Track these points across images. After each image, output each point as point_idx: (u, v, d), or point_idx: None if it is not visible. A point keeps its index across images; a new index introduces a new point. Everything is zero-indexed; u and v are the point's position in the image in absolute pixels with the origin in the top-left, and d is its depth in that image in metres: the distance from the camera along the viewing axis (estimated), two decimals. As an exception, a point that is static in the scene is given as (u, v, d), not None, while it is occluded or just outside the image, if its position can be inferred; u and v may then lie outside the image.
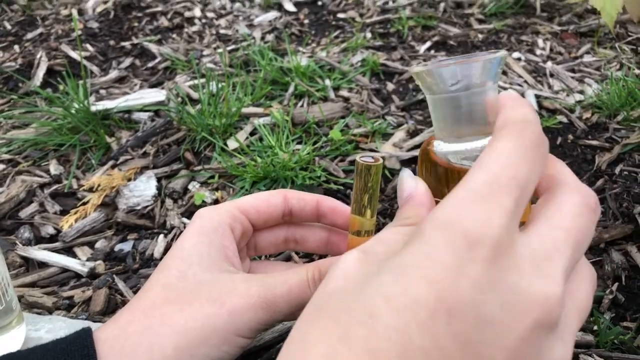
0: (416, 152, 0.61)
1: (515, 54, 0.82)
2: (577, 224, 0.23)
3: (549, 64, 0.79)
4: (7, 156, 0.66)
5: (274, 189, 0.56)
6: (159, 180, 0.61)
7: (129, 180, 0.61)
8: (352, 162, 0.60)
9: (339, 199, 0.55)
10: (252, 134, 0.64)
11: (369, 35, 0.88)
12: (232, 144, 0.63)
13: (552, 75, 0.76)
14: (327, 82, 0.73)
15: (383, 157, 0.58)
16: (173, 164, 0.63)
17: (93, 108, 0.68)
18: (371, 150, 0.61)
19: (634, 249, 0.49)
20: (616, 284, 0.46)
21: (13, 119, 0.72)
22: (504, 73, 0.76)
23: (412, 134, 0.64)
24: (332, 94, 0.71)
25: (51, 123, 0.69)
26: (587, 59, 0.82)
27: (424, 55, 0.82)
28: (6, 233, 0.55)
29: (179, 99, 0.72)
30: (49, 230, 0.55)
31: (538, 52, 0.84)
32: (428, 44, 0.85)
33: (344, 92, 0.72)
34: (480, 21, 0.95)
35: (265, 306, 0.31)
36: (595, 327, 0.42)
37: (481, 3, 1.00)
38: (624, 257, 0.48)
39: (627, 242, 0.50)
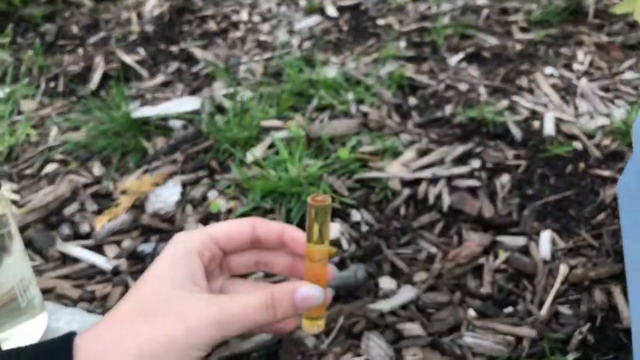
0: (421, 174, 0.63)
1: (549, 69, 0.80)
2: None
3: (583, 81, 0.77)
4: (60, 156, 0.75)
5: (281, 203, 0.61)
6: (184, 186, 0.67)
7: (157, 185, 0.67)
8: (358, 181, 0.63)
9: (340, 216, 0.59)
10: (271, 146, 0.69)
11: (403, 44, 0.89)
12: (250, 156, 0.68)
13: (582, 95, 0.75)
14: (350, 96, 0.76)
15: (333, 198, 0.61)
16: (199, 171, 0.69)
17: (134, 114, 0.76)
18: (378, 169, 0.64)
19: (618, 289, 0.49)
20: (588, 324, 0.46)
21: (69, 122, 0.81)
22: (531, 91, 0.75)
23: (422, 153, 0.66)
24: (353, 108, 0.74)
25: (98, 127, 0.77)
26: (628, 75, 0.78)
27: (453, 69, 0.82)
28: (51, 228, 0.64)
29: (212, 108, 0.78)
30: (85, 228, 0.63)
31: (575, 66, 0.81)
32: (461, 55, 0.85)
33: (364, 107, 0.74)
34: (523, 29, 0.93)
35: (221, 325, 0.36)
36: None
37: (528, 9, 0.98)
38: (606, 296, 0.49)
39: (613, 281, 0.50)
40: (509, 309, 0.49)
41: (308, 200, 0.38)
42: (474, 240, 0.55)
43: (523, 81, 0.77)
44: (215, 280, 0.43)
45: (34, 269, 0.57)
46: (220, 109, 0.77)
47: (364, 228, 0.58)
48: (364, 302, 0.49)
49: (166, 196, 0.66)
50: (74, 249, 0.60)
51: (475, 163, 0.64)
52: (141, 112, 0.77)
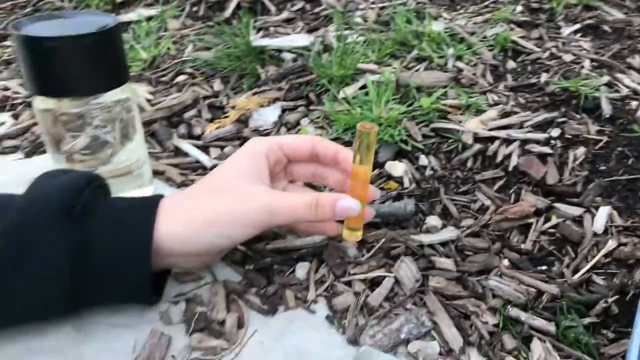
0: (497, 133, 0.65)
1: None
2: None
3: None
4: (190, 70, 0.88)
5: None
6: (283, 111, 0.76)
7: (261, 106, 0.77)
8: (433, 130, 0.67)
9: (408, 158, 0.65)
10: (363, 87, 0.75)
11: (519, 8, 0.88)
12: (342, 93, 0.74)
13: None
14: (451, 51, 0.79)
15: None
16: (298, 100, 0.78)
17: (254, 43, 0.86)
18: (456, 122, 0.68)
19: (661, 271, 0.49)
20: (616, 297, 0.48)
21: (202, 42, 0.93)
22: (610, 85, 0.72)
23: (504, 115, 0.68)
24: (450, 63, 0.77)
25: (224, 50, 0.88)
26: None
27: (564, 39, 0.81)
28: (171, 126, 0.76)
29: (321, 46, 0.85)
30: (197, 131, 0.75)
31: None
32: (577, 26, 0.83)
33: (461, 64, 0.77)
34: (661, 7, 0.87)
35: (270, 212, 0.45)
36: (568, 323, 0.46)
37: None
38: (646, 277, 0.49)
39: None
40: (543, 268, 0.52)
41: (357, 126, 0.45)
42: (530, 201, 0.58)
43: (635, 60, 0.74)
44: (279, 182, 0.53)
45: (153, 155, 0.70)
46: (327, 48, 0.85)
47: (428, 172, 0.63)
48: (408, 232, 0.55)
49: (267, 116, 0.75)
50: (186, 145, 0.72)
51: (555, 132, 0.65)
52: (261, 42, 0.86)
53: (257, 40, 0.87)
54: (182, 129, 0.75)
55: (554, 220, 0.57)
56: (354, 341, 0.45)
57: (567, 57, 0.76)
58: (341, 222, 0.51)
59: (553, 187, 0.59)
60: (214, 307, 0.48)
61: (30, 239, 0.40)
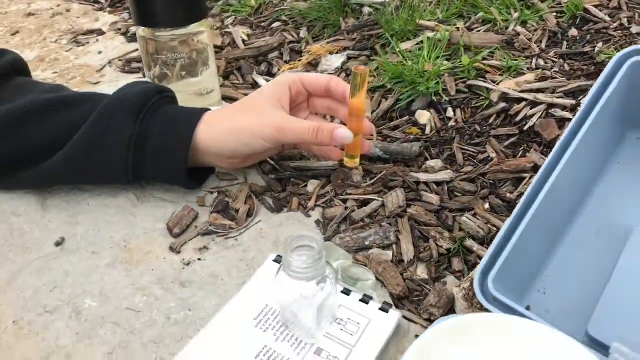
0: (525, 95, 0.69)
1: None
2: None
3: None
4: (285, 18, 1.01)
5: (401, 87, 0.76)
6: (348, 59, 0.86)
7: (331, 53, 0.88)
8: (468, 86, 0.73)
9: (436, 109, 0.72)
10: (420, 42, 0.82)
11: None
12: (403, 46, 0.82)
13: None
14: (516, 15, 0.81)
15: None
16: (364, 50, 0.87)
17: (341, -3, 0.96)
18: (492, 81, 0.72)
19: None
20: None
21: (301, -7, 1.06)
22: None
23: (540, 79, 0.71)
24: (511, 27, 0.80)
25: (317, 2, 0.99)
26: None
27: (642, 10, 0.78)
28: (256, 64, 0.91)
29: (398, 2, 0.92)
30: (275, 70, 0.89)
31: None
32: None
33: (521, 28, 0.79)
34: None
35: (279, 130, 0.57)
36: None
37: None
38: None
39: None
40: (519, 215, 0.58)
41: (352, 68, 0.55)
42: (532, 158, 0.62)
43: None
44: (303, 112, 0.65)
45: (234, 85, 0.85)
46: (400, 6, 0.92)
47: (451, 124, 0.70)
48: (410, 170, 0.64)
49: (332, 62, 0.86)
50: (261, 80, 0.86)
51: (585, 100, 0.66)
52: (347, -5, 0.96)
53: (345, -5, 0.97)
54: (263, 67, 0.89)
55: (552, 179, 0.61)
56: (328, 239, 0.56)
57: (636, 29, 0.74)
58: (343, 150, 0.61)
59: (560, 149, 0.63)
60: (235, 199, 0.62)
61: (110, 126, 0.58)
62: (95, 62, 0.96)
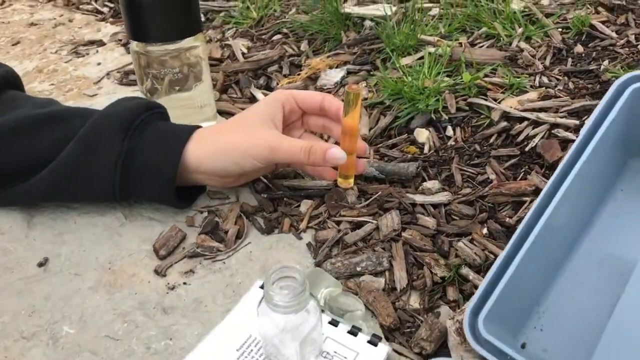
0: (527, 115, 0.67)
1: None
2: None
3: None
4: (286, 30, 0.99)
5: (400, 104, 0.74)
6: (348, 73, 0.85)
7: (330, 67, 0.87)
8: (469, 104, 0.71)
9: (436, 127, 0.70)
10: (421, 58, 0.80)
11: (618, -9, 0.83)
12: (401, 62, 0.80)
13: None
14: (520, 30, 0.79)
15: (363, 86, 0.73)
16: (364, 65, 0.85)
17: (343, 9, 0.94)
18: (494, 99, 0.70)
19: None
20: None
21: (304, 6, 1.04)
22: None
23: (544, 97, 0.69)
24: (515, 43, 0.78)
25: (319, 15, 0.98)
26: None
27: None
28: (255, 77, 0.89)
29: (400, 16, 0.91)
30: (274, 84, 0.87)
31: None
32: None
33: (525, 44, 0.77)
34: None
35: (272, 150, 0.55)
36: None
37: None
38: None
39: None
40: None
41: (346, 87, 0.53)
42: (533, 181, 0.60)
43: None
44: (297, 130, 0.63)
45: (232, 99, 0.84)
46: (402, 20, 0.90)
47: (450, 143, 0.68)
48: (406, 191, 0.62)
49: (332, 76, 0.85)
50: (259, 94, 0.84)
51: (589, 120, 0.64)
52: (348, 9, 0.95)
53: (346, 8, 0.95)
54: (262, 80, 0.88)
55: (554, 203, 0.58)
56: (319, 264, 0.54)
57: (644, 47, 0.72)
58: (337, 169, 0.60)
59: (563, 172, 0.60)
60: (225, 219, 0.60)
61: (98, 142, 0.56)
62: (93, 73, 0.95)
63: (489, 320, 0.36)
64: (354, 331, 0.46)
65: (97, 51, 1.03)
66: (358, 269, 0.53)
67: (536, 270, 0.41)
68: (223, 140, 0.57)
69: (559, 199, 0.42)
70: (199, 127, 0.60)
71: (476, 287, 0.51)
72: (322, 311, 0.48)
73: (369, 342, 0.45)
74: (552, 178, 0.43)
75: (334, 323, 0.47)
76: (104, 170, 0.56)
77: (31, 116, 0.60)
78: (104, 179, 0.56)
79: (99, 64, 0.98)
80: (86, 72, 0.95)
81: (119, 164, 0.56)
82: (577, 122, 0.64)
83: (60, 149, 0.57)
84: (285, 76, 0.88)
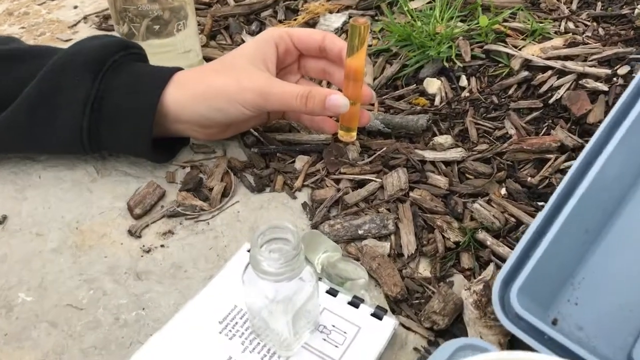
0: (553, 63, 0.59)
1: None
2: None
3: None
4: (281, -27, 0.90)
5: (408, 51, 0.66)
6: (350, 18, 0.76)
7: (330, 12, 0.78)
8: (485, 51, 0.63)
9: (448, 77, 0.62)
10: (431, 0, 0.72)
11: None
12: (412, 5, 0.72)
13: None
14: (543, -29, 0.71)
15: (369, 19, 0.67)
16: (368, 10, 0.77)
17: (344, -51, 0.85)
18: (514, 46, 0.62)
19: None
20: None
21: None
22: None
23: (570, 44, 0.61)
24: (537, -15, 0.70)
25: (317, -45, 0.89)
26: None
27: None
28: (247, 23, 0.81)
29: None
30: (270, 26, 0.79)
31: None
32: None
33: (549, -14, 0.69)
34: None
35: (262, 95, 0.48)
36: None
37: None
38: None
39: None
40: (540, 203, 0.49)
41: (350, 20, 0.45)
42: (558, 137, 0.53)
43: None
44: (293, 75, 0.56)
45: (221, 45, 0.76)
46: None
47: (464, 94, 0.60)
48: (414, 146, 0.55)
49: (331, 22, 0.76)
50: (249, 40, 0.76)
51: (623, 70, 0.57)
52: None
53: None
54: (254, 26, 0.80)
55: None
56: (315, 226, 0.48)
57: (682, -11, 0.64)
58: (338, 121, 0.52)
59: (592, 126, 0.54)
60: (210, 175, 0.53)
61: (61, 83, 0.49)
62: (68, 17, 0.86)
63: (523, 295, 0.29)
64: (355, 302, 0.40)
65: (75, -7, 0.94)
66: (360, 231, 0.47)
67: (574, 238, 0.35)
68: (207, 84, 0.50)
69: (604, 161, 0.35)
70: (180, 69, 0.52)
71: (495, 254, 0.45)
72: (319, 279, 0.42)
73: (372, 314, 0.39)
74: (598, 132, 0.36)
75: (332, 293, 0.40)
76: (68, 116, 0.49)
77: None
78: (69, 126, 0.49)
79: (75, 7, 0.89)
80: (60, 15, 0.87)
81: (88, 107, 0.48)
82: (609, 71, 0.57)
83: (19, 92, 0.50)
84: (280, 22, 0.80)
